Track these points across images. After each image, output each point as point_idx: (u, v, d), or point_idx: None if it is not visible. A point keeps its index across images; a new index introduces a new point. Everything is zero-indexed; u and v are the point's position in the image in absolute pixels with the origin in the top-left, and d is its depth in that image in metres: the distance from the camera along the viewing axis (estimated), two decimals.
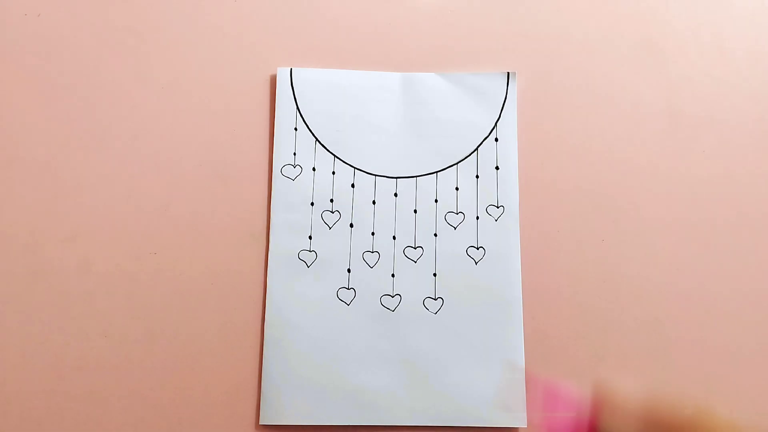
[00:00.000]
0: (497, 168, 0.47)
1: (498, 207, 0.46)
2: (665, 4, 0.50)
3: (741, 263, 0.46)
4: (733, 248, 0.46)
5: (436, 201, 0.46)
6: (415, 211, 0.46)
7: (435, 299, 0.45)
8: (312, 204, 0.46)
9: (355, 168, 0.47)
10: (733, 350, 0.44)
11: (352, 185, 0.46)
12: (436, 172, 0.47)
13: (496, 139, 0.47)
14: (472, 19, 0.49)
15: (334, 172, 0.47)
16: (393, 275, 0.45)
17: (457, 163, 0.47)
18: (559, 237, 0.46)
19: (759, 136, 0.48)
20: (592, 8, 0.50)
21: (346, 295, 0.45)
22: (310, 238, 0.45)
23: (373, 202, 0.46)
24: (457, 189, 0.47)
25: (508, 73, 0.48)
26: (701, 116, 0.48)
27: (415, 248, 0.46)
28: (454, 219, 0.46)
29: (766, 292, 0.45)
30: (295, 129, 0.47)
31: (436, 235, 0.46)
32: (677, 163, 0.47)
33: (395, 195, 0.46)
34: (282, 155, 0.46)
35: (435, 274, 0.45)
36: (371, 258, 0.45)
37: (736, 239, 0.46)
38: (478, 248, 0.46)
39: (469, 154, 0.47)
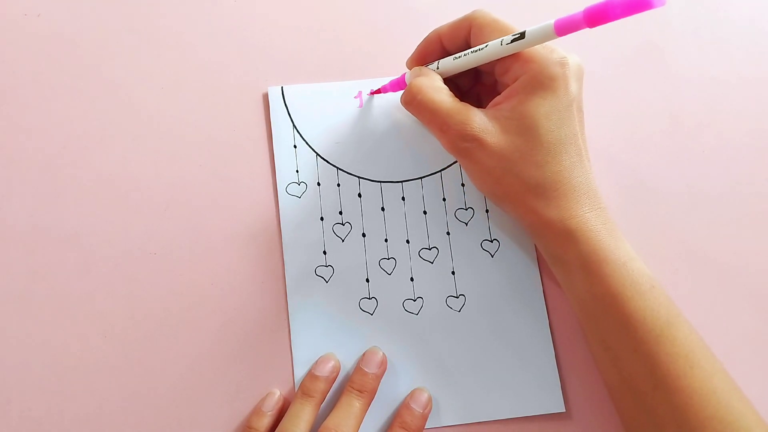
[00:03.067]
0: None
1: None
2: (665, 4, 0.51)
3: (742, 263, 0.46)
4: (733, 248, 0.46)
5: (444, 199, 0.46)
6: (425, 212, 0.46)
7: (457, 297, 0.45)
8: (321, 219, 0.45)
9: (359, 177, 0.46)
10: None
11: (359, 195, 0.46)
12: (440, 170, 0.47)
13: None
14: None
15: (339, 185, 0.46)
16: (412, 279, 0.45)
17: None
18: None
19: (759, 136, 0.49)
20: None
21: (369, 305, 0.44)
22: (324, 253, 0.45)
23: (382, 209, 0.46)
24: (463, 185, 0.47)
25: None
26: (701, 116, 0.49)
27: (429, 249, 0.45)
28: (464, 215, 0.46)
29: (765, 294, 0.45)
30: (294, 146, 0.46)
31: (448, 233, 0.46)
32: (677, 163, 0.48)
33: (402, 199, 0.46)
34: (284, 174, 0.46)
35: (453, 273, 0.45)
36: (388, 265, 0.45)
37: (736, 239, 0.47)
38: (492, 241, 0.46)
39: None
